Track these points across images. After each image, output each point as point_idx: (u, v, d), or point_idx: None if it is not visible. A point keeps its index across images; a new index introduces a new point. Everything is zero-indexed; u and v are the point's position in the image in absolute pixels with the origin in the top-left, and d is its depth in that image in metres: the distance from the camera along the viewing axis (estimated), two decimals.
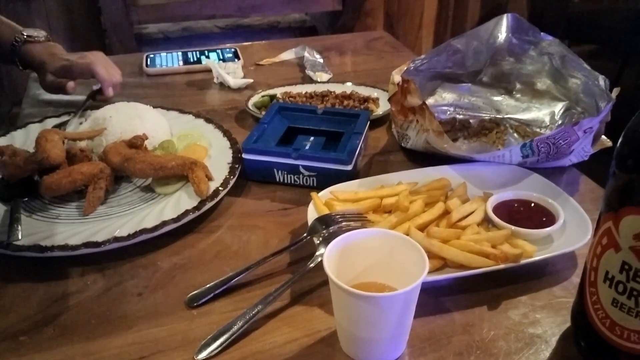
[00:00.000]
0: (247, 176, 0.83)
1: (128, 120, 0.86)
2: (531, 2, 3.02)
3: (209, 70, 1.15)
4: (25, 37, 1.01)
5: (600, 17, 2.85)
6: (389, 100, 0.85)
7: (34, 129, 0.90)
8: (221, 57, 1.22)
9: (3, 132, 0.89)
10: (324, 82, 1.10)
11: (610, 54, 3.21)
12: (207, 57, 1.21)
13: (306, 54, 1.22)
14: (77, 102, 1.01)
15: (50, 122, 0.92)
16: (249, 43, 1.32)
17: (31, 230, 0.69)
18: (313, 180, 0.81)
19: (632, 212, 0.46)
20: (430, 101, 0.92)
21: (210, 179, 0.78)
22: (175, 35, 2.65)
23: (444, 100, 0.94)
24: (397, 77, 0.85)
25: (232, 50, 1.25)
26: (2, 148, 0.79)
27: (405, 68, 0.85)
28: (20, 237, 0.66)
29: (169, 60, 1.19)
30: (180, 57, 1.20)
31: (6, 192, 0.76)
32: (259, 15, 2.66)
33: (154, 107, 0.94)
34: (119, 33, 2.31)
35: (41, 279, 0.65)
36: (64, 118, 0.93)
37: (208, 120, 0.93)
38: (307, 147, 0.86)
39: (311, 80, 1.12)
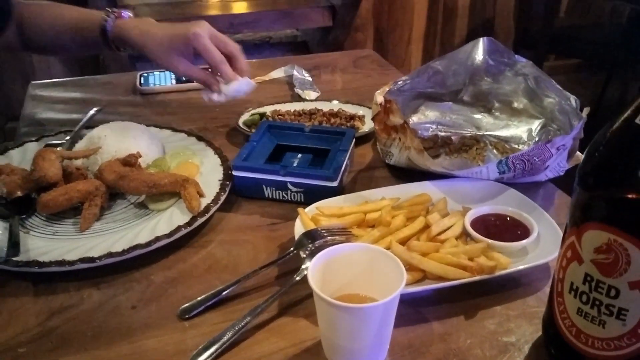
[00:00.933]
0: (237, 192, 0.86)
1: (122, 139, 0.89)
2: (517, 16, 3.09)
3: (200, 89, 1.18)
4: (112, 16, 0.93)
5: (585, 32, 2.92)
6: (373, 119, 0.89)
7: (31, 148, 0.93)
8: None
9: (1, 150, 0.91)
10: (312, 100, 1.14)
11: (594, 69, 3.28)
12: None
13: (295, 73, 1.26)
14: (73, 121, 1.04)
15: (47, 141, 0.95)
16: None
17: (29, 247, 0.72)
18: (300, 196, 0.84)
19: (593, 227, 0.50)
20: (413, 119, 0.96)
21: (201, 195, 0.81)
22: None
23: (427, 118, 0.98)
24: (379, 97, 0.89)
25: None
26: (0, 167, 0.82)
27: (388, 89, 0.88)
28: (19, 254, 0.69)
29: (162, 79, 1.23)
30: (173, 76, 1.24)
31: (4, 210, 0.78)
32: (251, 31, 2.71)
33: (148, 125, 0.97)
34: None
35: (39, 293, 0.68)
36: (60, 137, 0.96)
37: (200, 139, 0.97)
38: (294, 164, 0.89)
39: (300, 98, 1.16)
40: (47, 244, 0.73)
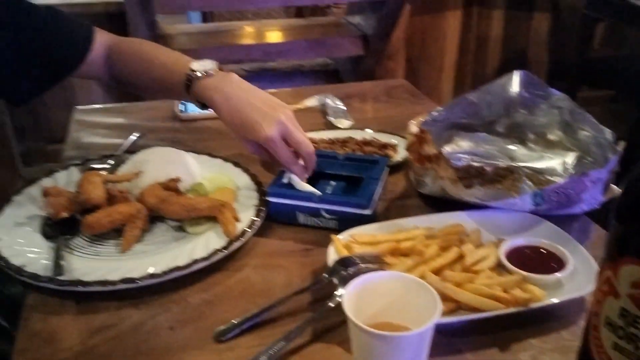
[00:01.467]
0: (272, 218, 0.88)
1: (163, 164, 0.92)
2: (551, 47, 3.08)
3: None
4: (196, 73, 0.92)
5: (619, 63, 2.90)
6: (407, 149, 0.91)
7: (76, 171, 0.97)
8: None
9: (47, 172, 0.95)
10: (345, 129, 1.16)
11: (629, 100, 3.23)
12: None
13: (328, 101, 1.29)
14: (116, 145, 1.08)
15: (91, 165, 0.99)
16: (276, 90, 1.39)
17: (73, 266, 0.75)
18: (334, 223, 0.85)
19: (630, 262, 0.50)
20: (447, 149, 0.97)
21: (237, 220, 0.83)
22: None
23: (461, 148, 0.99)
24: (414, 127, 0.90)
25: None
26: (48, 189, 0.86)
27: (422, 119, 0.90)
28: (64, 273, 0.72)
29: None
30: None
31: (50, 230, 0.82)
32: (284, 59, 2.76)
33: (187, 151, 1.00)
34: None
35: (81, 312, 0.70)
36: (104, 161, 1.00)
37: (236, 164, 0.99)
38: (328, 192, 0.91)
39: (333, 127, 1.18)
40: (90, 264, 0.76)
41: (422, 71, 3.02)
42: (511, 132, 0.98)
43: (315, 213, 0.86)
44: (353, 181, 0.92)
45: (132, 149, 1.04)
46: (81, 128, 1.20)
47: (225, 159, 1.01)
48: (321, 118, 1.24)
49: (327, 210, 0.85)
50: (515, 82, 0.93)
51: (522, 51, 3.08)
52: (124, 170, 0.94)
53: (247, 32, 2.70)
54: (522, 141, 0.98)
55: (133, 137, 1.09)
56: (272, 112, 0.86)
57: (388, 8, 2.36)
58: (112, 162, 1.00)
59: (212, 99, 0.90)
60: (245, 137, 0.87)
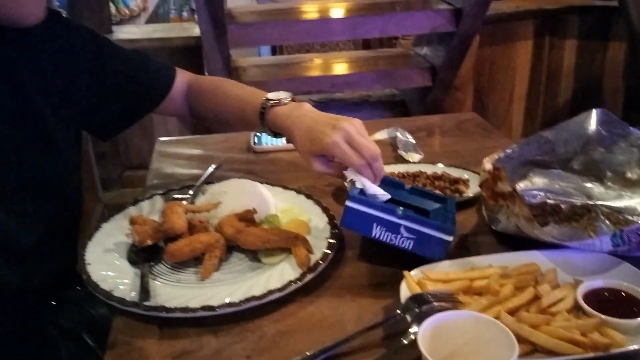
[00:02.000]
0: (344, 224, 0.85)
1: (240, 195, 0.96)
2: (627, 76, 2.98)
3: None
4: (270, 102, 0.98)
5: None
6: (480, 185, 0.91)
7: (159, 200, 1.03)
8: None
9: (133, 201, 1.02)
10: (415, 163, 1.17)
11: None
12: None
13: (398, 134, 1.30)
14: (195, 175, 1.14)
15: (172, 194, 1.04)
16: None
17: (156, 292, 0.79)
18: (409, 243, 0.82)
19: None
20: (521, 185, 0.96)
21: (310, 252, 0.86)
22: None
23: (535, 184, 0.98)
24: (488, 164, 0.90)
25: None
26: (134, 218, 0.91)
27: (497, 156, 0.90)
28: (149, 299, 0.76)
29: (274, 139, 1.31)
30: None
31: (136, 257, 0.87)
32: (352, 90, 2.81)
33: (261, 182, 1.04)
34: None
35: (164, 337, 0.74)
36: (184, 191, 1.05)
37: (308, 197, 1.02)
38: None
39: (403, 160, 1.19)
40: (171, 290, 0.80)
41: (491, 102, 2.99)
42: (588, 169, 0.96)
43: (393, 228, 0.83)
44: (419, 212, 0.89)
45: (210, 180, 1.09)
46: (162, 158, 1.27)
47: (298, 191, 1.04)
48: (391, 151, 1.26)
49: (407, 228, 0.82)
50: (592, 120, 0.92)
51: (596, 81, 2.99)
52: (203, 200, 0.99)
53: (316, 64, 2.77)
54: (600, 179, 0.95)
55: (211, 168, 1.14)
56: (336, 122, 0.88)
57: (457, 40, 2.36)
58: (191, 192, 1.05)
59: (284, 124, 0.96)
60: (313, 150, 0.90)
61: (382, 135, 1.34)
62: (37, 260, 0.91)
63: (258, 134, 1.34)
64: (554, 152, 0.93)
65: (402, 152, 1.22)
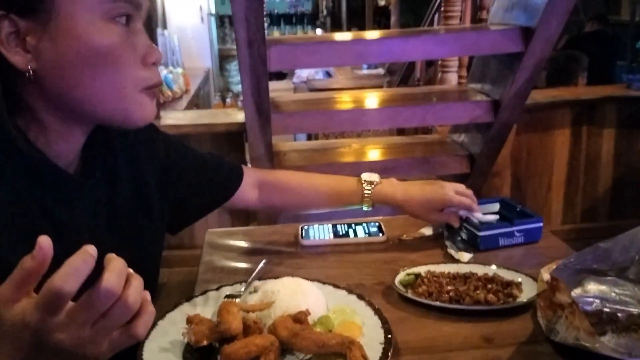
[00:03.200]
0: (482, 248, 1.24)
1: (293, 295, 0.97)
2: None
3: (356, 244, 1.28)
4: (373, 182, 1.25)
5: None
6: (538, 295, 0.90)
7: (212, 296, 1.04)
8: (367, 230, 1.34)
9: (187, 298, 1.03)
10: (466, 263, 1.17)
11: None
12: (354, 230, 1.34)
13: (445, 232, 1.31)
14: (245, 269, 1.16)
15: (225, 290, 1.06)
16: (392, 217, 1.44)
17: None
18: (521, 239, 1.26)
19: None
20: (576, 291, 0.95)
21: (365, 359, 0.85)
22: None
23: (590, 292, 0.97)
24: (546, 274, 0.90)
25: (377, 224, 1.37)
26: (191, 317, 0.93)
27: (555, 266, 0.90)
28: None
29: (321, 233, 1.34)
30: (331, 230, 1.35)
31: (191, 357, 0.88)
32: (389, 176, 2.84)
33: (310, 279, 1.05)
34: None
35: None
36: (236, 287, 1.07)
37: (360, 297, 1.02)
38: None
39: (453, 259, 1.19)
40: None
41: (529, 189, 2.99)
42: None
43: (510, 234, 1.24)
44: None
45: (261, 276, 1.11)
46: (213, 251, 1.30)
47: (350, 291, 1.05)
48: (440, 249, 1.26)
49: (517, 231, 1.24)
50: None
51: (636, 170, 2.98)
52: (256, 298, 1.00)
53: (353, 150, 2.83)
54: None
55: (261, 264, 1.15)
56: (438, 184, 1.28)
57: (495, 130, 2.41)
58: (243, 289, 1.06)
59: (394, 196, 1.25)
60: (433, 207, 1.25)
61: (428, 230, 1.35)
62: None
63: (306, 226, 1.37)
64: (610, 260, 0.93)
65: (451, 251, 1.22)
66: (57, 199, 0.81)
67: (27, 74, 0.72)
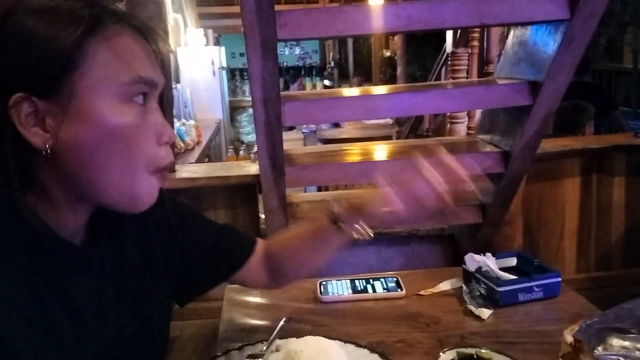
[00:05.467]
0: (502, 303, 1.23)
1: (316, 355, 0.98)
2: None
3: (375, 300, 1.29)
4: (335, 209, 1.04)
5: None
6: (561, 357, 0.90)
7: (234, 355, 1.05)
8: (385, 286, 1.35)
9: (211, 358, 1.04)
10: (485, 319, 1.17)
11: None
12: (373, 285, 1.35)
13: (464, 287, 1.31)
14: (265, 327, 1.16)
15: (247, 350, 1.07)
16: (409, 271, 1.45)
17: None
18: (540, 294, 1.27)
19: None
20: (598, 349, 0.95)
21: None
22: None
23: (612, 349, 0.97)
24: (568, 336, 0.90)
25: (395, 279, 1.38)
26: None
27: (577, 328, 0.90)
28: None
29: (339, 288, 1.34)
30: (349, 285, 1.35)
31: None
32: (402, 226, 2.85)
33: (331, 337, 1.06)
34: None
35: None
36: (258, 346, 1.08)
37: (382, 356, 1.03)
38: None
39: (472, 315, 1.20)
40: None
41: (542, 237, 2.98)
42: None
43: (529, 289, 1.25)
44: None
45: (282, 334, 1.11)
46: (232, 308, 1.30)
47: (372, 350, 1.05)
48: (459, 305, 1.26)
49: (536, 286, 1.25)
50: None
51: None
52: (279, 358, 1.00)
53: (362, 193, 2.84)
54: None
55: (282, 322, 1.16)
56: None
57: (506, 180, 2.43)
58: (265, 348, 1.07)
59: (366, 197, 1.04)
60: (408, 192, 0.99)
61: (446, 285, 1.36)
62: None
63: (324, 282, 1.38)
64: (633, 318, 0.93)
65: (471, 307, 1.22)
66: (64, 271, 0.80)
67: (43, 152, 0.73)
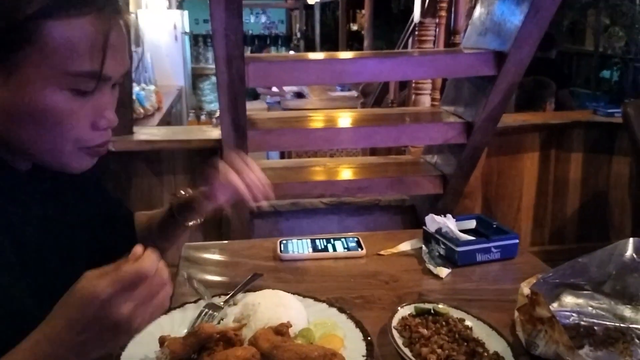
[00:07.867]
0: (460, 263, 1.24)
1: (274, 307, 0.96)
2: (633, 190, 3.04)
3: (335, 259, 1.28)
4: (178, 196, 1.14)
5: None
6: (518, 309, 0.91)
7: (190, 308, 1.02)
8: (346, 245, 1.34)
9: (165, 310, 1.01)
10: (444, 277, 1.18)
11: None
12: (333, 245, 1.34)
13: (423, 247, 1.32)
14: (223, 283, 1.14)
15: (203, 303, 1.04)
16: (370, 233, 1.44)
17: None
18: (497, 255, 1.27)
19: None
20: (554, 306, 0.97)
21: None
22: (284, 209, 2.89)
23: (567, 306, 0.99)
24: (525, 289, 0.91)
25: (355, 239, 1.37)
26: (163, 337, 0.89)
27: (534, 281, 0.91)
28: None
29: (299, 247, 1.33)
30: (310, 244, 1.34)
31: None
32: (363, 195, 2.86)
33: (291, 293, 1.04)
34: (237, 208, 2.56)
35: None
36: (216, 300, 1.05)
37: (341, 310, 1.02)
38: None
39: (431, 274, 1.20)
40: None
41: (499, 210, 3.04)
42: (620, 293, 0.97)
43: (487, 250, 1.25)
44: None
45: (240, 289, 1.09)
46: (190, 264, 1.27)
47: (330, 304, 1.04)
48: (418, 264, 1.27)
49: (494, 247, 1.26)
50: (629, 248, 0.94)
51: (603, 194, 3.06)
52: (236, 311, 0.98)
53: (328, 169, 2.83)
54: (632, 303, 0.96)
55: (249, 277, 1.14)
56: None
57: (468, 151, 2.45)
58: (222, 302, 1.05)
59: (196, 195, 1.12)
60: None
61: (406, 246, 1.36)
62: None
63: (284, 241, 1.36)
64: (587, 275, 0.95)
65: (430, 266, 1.23)
66: (8, 196, 0.84)
67: None
